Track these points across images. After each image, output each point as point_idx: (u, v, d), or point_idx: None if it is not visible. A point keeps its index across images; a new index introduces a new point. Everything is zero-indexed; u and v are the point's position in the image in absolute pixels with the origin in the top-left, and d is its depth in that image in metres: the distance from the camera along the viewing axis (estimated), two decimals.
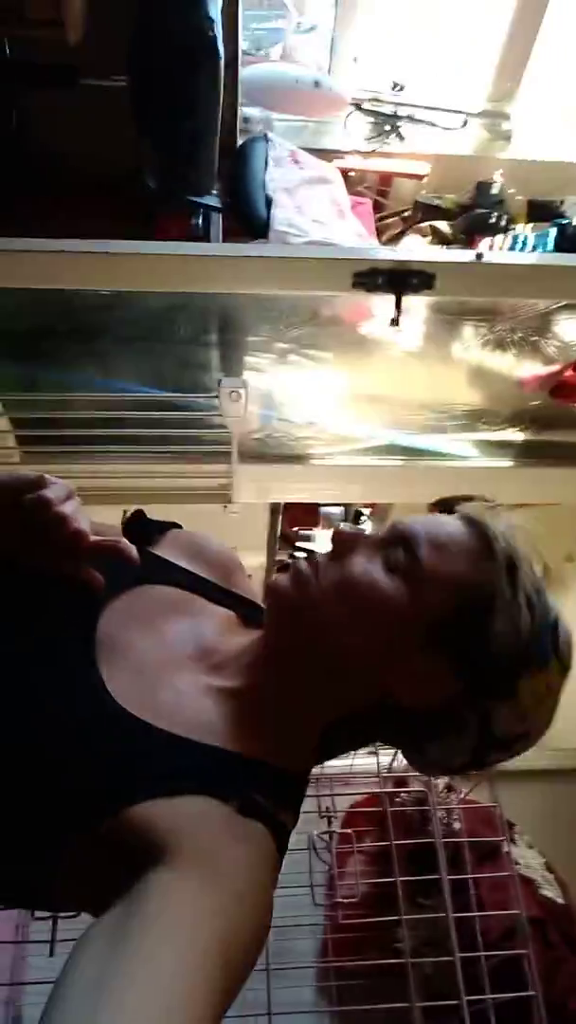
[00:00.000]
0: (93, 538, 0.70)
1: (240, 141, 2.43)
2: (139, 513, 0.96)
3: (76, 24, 1.75)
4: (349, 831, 1.64)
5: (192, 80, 1.83)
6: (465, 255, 1.88)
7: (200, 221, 2.34)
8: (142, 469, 2.13)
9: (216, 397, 1.96)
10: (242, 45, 2.27)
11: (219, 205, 2.22)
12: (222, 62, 1.85)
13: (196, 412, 2.02)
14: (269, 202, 2.27)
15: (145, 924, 0.50)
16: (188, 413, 2.02)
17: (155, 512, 0.97)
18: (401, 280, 1.85)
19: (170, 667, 0.72)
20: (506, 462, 2.44)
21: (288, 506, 3.23)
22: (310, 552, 0.75)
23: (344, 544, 0.71)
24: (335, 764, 1.72)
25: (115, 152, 2.13)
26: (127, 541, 0.75)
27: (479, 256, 1.85)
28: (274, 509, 2.97)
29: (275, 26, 3.18)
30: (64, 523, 0.69)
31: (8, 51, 2.08)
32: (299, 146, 2.62)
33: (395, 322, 1.90)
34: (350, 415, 2.33)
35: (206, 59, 1.81)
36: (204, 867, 0.56)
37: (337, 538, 0.72)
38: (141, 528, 0.93)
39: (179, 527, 0.98)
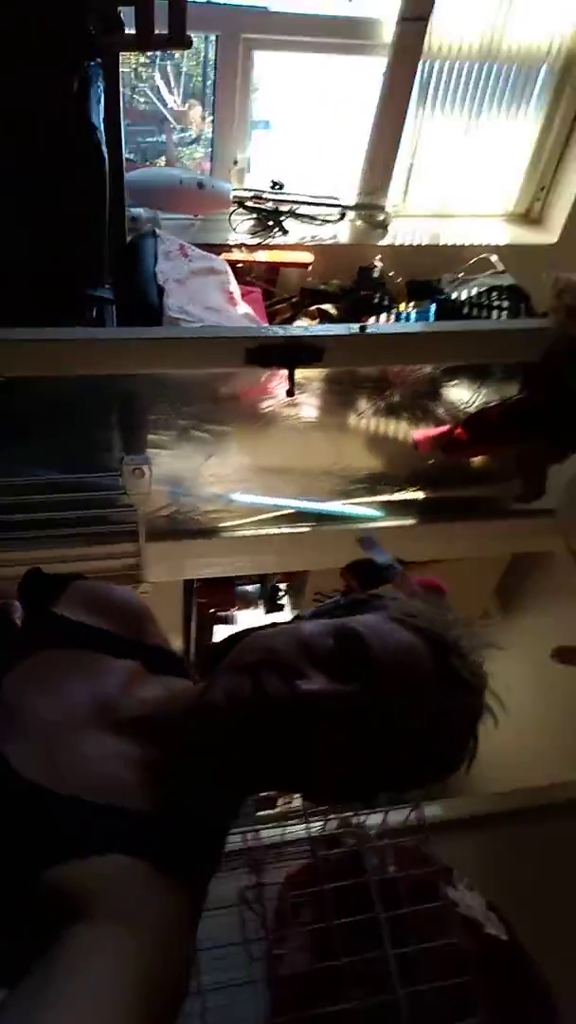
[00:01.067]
0: None
1: (129, 238, 2.54)
2: (35, 571, 0.94)
3: None
4: (288, 901, 1.59)
5: (75, 183, 1.94)
6: (349, 328, 2.00)
7: (94, 314, 2.42)
8: (50, 555, 2.11)
9: (119, 475, 1.98)
10: (125, 153, 2.40)
11: (111, 297, 2.30)
12: (106, 165, 1.97)
13: (101, 492, 2.03)
14: (161, 292, 2.36)
15: (63, 975, 0.49)
16: (93, 493, 2.03)
17: None
18: (291, 354, 1.94)
19: (73, 730, 0.70)
20: (410, 520, 2.53)
21: (204, 587, 3.22)
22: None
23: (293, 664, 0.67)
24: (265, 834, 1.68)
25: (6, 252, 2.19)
26: (12, 603, 0.74)
27: (363, 328, 1.98)
28: (187, 588, 2.97)
29: (158, 139, 3.38)
30: None
31: None
32: (188, 241, 2.77)
33: (290, 393, 1.99)
34: (257, 486, 2.39)
35: (91, 163, 1.93)
36: (119, 921, 0.54)
37: (278, 661, 0.67)
38: (38, 586, 0.92)
39: (80, 578, 0.95)
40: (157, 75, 3.50)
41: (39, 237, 2.11)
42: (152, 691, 0.77)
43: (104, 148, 2.03)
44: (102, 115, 2.08)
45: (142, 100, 3.57)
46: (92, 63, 2.12)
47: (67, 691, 0.74)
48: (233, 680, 0.66)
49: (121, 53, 2.21)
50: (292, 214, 2.99)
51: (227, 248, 2.94)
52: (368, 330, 1.98)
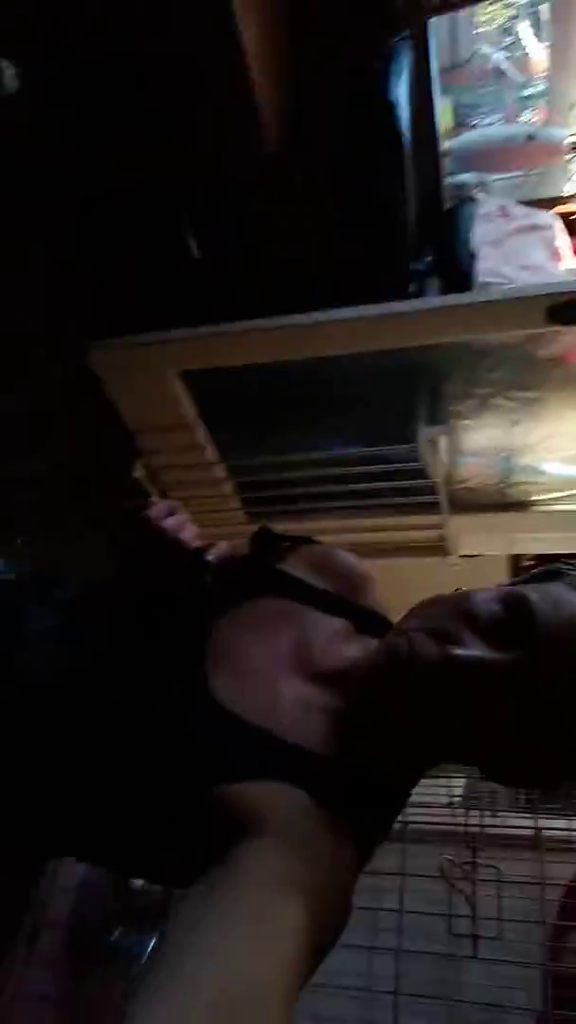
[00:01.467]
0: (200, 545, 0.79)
1: (449, 205, 2.50)
2: (264, 528, 1.02)
3: (271, 137, 2.00)
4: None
5: (382, 174, 1.98)
6: None
7: (415, 288, 2.44)
8: (354, 524, 2.21)
9: (418, 447, 1.99)
10: (443, 124, 2.37)
11: (426, 269, 2.30)
12: (404, 143, 1.97)
13: (402, 464, 2.06)
14: (472, 257, 2.29)
15: (233, 882, 0.54)
16: (394, 465, 2.07)
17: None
18: None
19: (273, 672, 0.76)
20: None
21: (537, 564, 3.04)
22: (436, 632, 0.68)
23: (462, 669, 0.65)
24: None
25: (325, 240, 2.32)
26: (224, 544, 0.82)
27: None
28: (515, 563, 2.83)
29: (492, 92, 3.25)
30: (162, 535, 0.79)
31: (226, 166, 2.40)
32: (518, 199, 2.62)
33: None
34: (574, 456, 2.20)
35: (393, 157, 1.96)
36: (287, 844, 0.59)
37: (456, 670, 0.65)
38: (266, 542, 0.99)
39: (313, 542, 1.00)
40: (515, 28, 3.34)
41: (348, 220, 2.20)
42: (352, 649, 0.80)
43: (403, 126, 2.03)
44: (406, 90, 2.08)
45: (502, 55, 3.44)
46: (399, 38, 2.13)
47: (275, 637, 0.80)
48: (393, 641, 0.68)
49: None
50: None
51: (562, 200, 2.72)
52: None
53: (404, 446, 2.06)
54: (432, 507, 2.13)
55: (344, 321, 1.94)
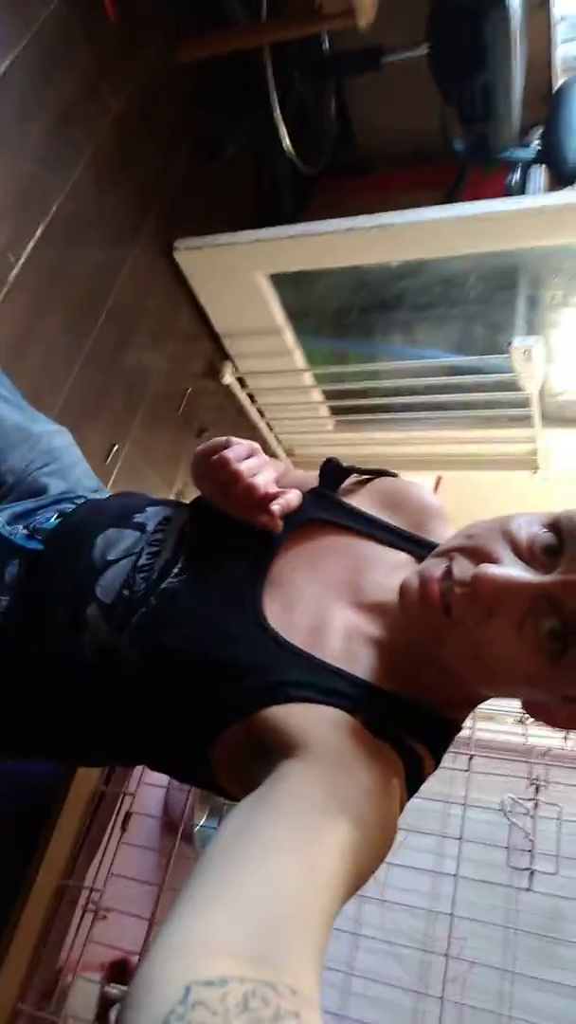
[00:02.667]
0: (270, 490, 0.80)
1: (560, 82, 2.27)
2: (332, 460, 1.01)
3: (366, 9, 1.83)
4: None
5: (479, 34, 1.79)
6: None
7: (517, 176, 2.27)
8: (442, 435, 2.17)
9: (509, 358, 1.90)
10: None
11: (530, 156, 2.12)
12: (511, 10, 1.77)
13: (493, 374, 1.98)
14: None
15: (281, 800, 0.56)
16: (485, 376, 2.00)
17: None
18: None
19: (323, 603, 0.77)
20: None
21: None
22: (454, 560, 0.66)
23: (486, 600, 0.62)
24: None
25: (424, 122, 2.18)
26: (297, 493, 0.83)
27: None
28: None
29: None
30: (238, 478, 0.80)
31: (326, 47, 2.26)
32: None
33: None
34: None
35: (491, 10, 1.76)
36: (332, 763, 0.59)
37: (481, 588, 0.62)
38: (334, 475, 0.99)
39: (390, 475, 0.98)
40: None
41: (454, 103, 2.04)
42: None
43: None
44: None
45: None
46: None
47: (329, 568, 0.81)
48: (430, 563, 0.68)
49: None
50: None
51: None
52: None
53: (496, 356, 1.98)
54: (524, 420, 2.06)
55: (436, 222, 1.84)
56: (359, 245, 1.91)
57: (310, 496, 0.93)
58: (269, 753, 0.61)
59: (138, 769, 1.36)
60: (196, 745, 0.71)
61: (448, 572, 0.65)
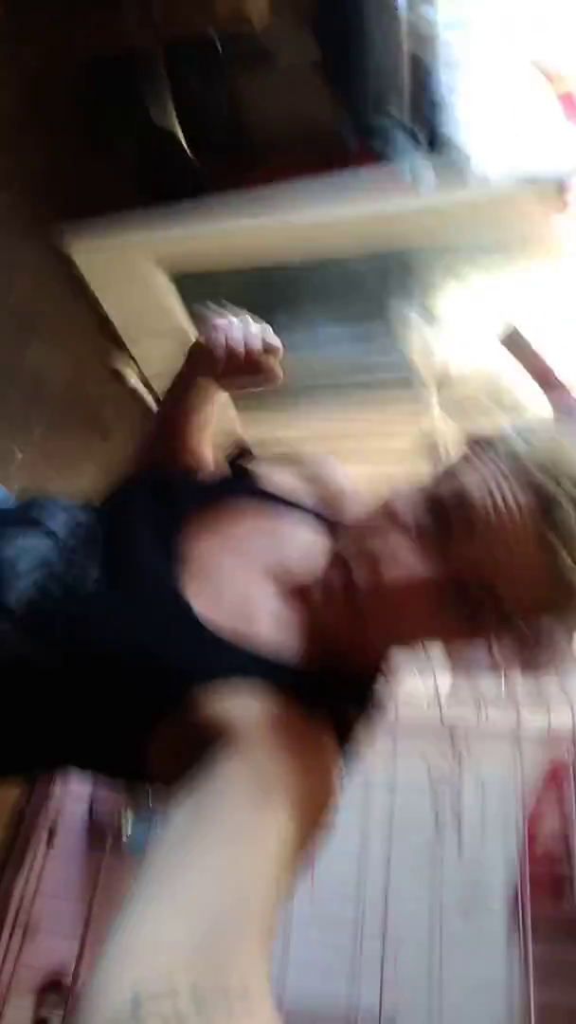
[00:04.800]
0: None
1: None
2: (240, 444, 0.99)
3: (261, 13, 1.86)
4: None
5: (362, 29, 1.85)
6: None
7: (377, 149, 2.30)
8: (344, 427, 2.21)
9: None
10: None
11: (391, 125, 2.16)
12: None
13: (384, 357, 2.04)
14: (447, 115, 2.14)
15: (216, 795, 0.56)
16: (376, 358, 2.06)
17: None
18: None
19: (251, 585, 0.77)
20: None
21: None
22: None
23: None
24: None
25: (316, 111, 2.20)
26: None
27: None
28: None
29: None
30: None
31: (220, 47, 2.25)
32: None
33: None
34: None
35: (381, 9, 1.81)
36: (264, 747, 0.60)
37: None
38: (243, 458, 0.97)
39: (297, 458, 1.00)
40: None
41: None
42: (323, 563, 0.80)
43: None
44: None
45: None
46: None
47: (252, 550, 0.81)
48: (328, 575, 0.71)
49: None
50: None
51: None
52: None
53: (386, 339, 2.03)
54: (424, 410, 2.13)
55: (331, 223, 1.88)
56: (258, 240, 1.92)
57: (226, 480, 0.93)
58: (203, 742, 0.61)
59: (60, 782, 1.33)
60: (128, 742, 0.70)
61: (349, 577, 0.67)
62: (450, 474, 0.68)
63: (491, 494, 0.63)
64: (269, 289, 2.07)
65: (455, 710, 1.75)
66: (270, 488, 0.90)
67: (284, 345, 0.91)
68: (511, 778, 1.71)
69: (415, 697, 1.77)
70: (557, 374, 1.76)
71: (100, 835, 1.32)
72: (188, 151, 2.14)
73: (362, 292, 2.01)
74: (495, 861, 1.51)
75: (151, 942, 0.43)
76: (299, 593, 0.77)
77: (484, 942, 1.66)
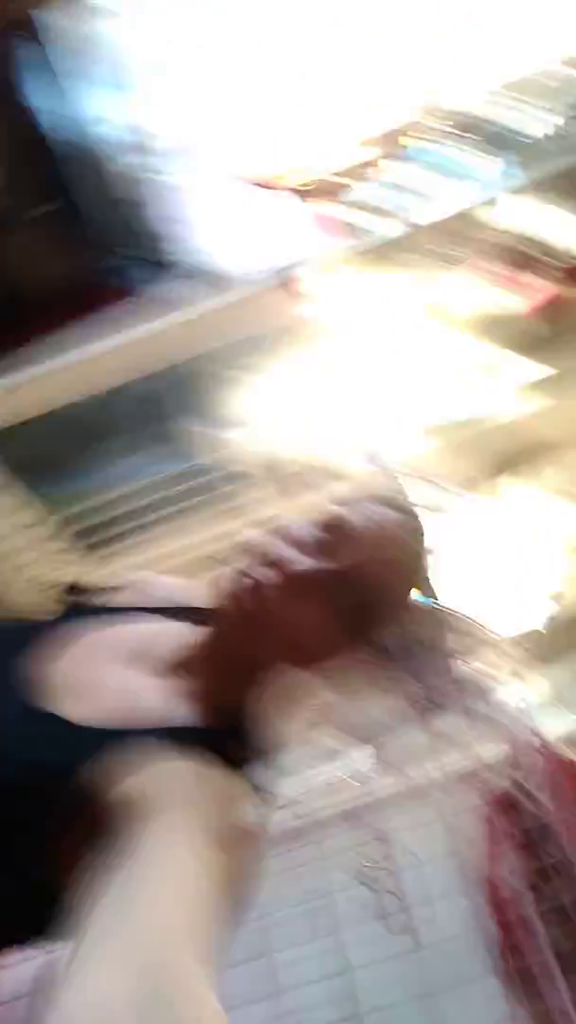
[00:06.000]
0: None
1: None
2: (73, 585, 0.99)
3: None
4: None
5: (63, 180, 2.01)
6: None
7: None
8: (197, 541, 2.26)
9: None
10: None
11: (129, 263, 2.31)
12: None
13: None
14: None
15: (129, 880, 0.54)
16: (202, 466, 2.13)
17: None
18: None
19: (125, 681, 0.77)
20: None
21: None
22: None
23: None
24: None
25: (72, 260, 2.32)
26: None
27: None
28: None
29: None
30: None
31: None
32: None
33: None
34: None
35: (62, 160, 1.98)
36: (172, 814, 0.60)
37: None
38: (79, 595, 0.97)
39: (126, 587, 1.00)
40: None
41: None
42: (194, 635, 0.82)
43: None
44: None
45: None
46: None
47: (117, 653, 0.81)
48: (231, 580, 0.74)
49: None
50: None
51: None
52: None
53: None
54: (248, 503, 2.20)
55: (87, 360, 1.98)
56: (51, 386, 2.00)
57: (71, 613, 0.91)
58: (115, 834, 0.60)
59: None
60: (32, 873, 0.67)
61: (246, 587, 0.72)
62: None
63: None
64: (78, 427, 2.14)
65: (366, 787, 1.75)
66: (111, 604, 0.92)
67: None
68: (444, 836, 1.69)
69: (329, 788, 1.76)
70: None
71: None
72: None
73: (150, 416, 2.11)
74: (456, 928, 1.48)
75: (95, 1005, 0.45)
76: (178, 668, 0.78)
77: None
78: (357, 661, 0.75)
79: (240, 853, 0.61)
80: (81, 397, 2.01)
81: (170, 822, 0.59)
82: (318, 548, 0.73)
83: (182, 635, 0.82)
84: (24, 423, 2.04)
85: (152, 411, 2.11)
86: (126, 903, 0.51)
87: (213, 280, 2.02)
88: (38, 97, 2.00)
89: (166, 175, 2.44)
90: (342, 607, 0.72)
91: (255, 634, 0.73)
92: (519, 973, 1.66)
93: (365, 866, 1.43)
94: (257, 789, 0.71)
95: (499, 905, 1.76)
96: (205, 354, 2.03)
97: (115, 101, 2.64)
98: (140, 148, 2.33)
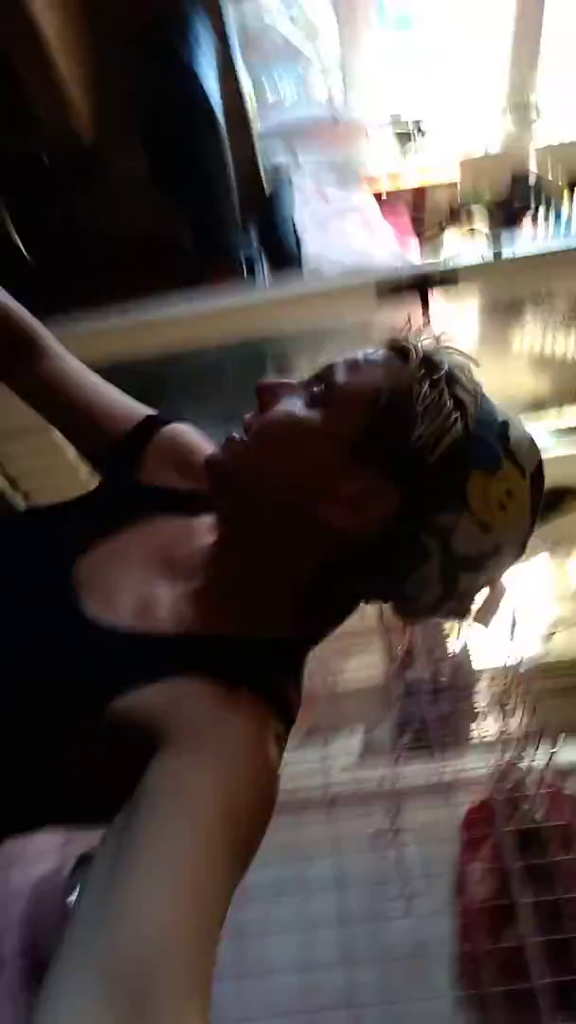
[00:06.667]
0: None
1: (269, 188, 2.55)
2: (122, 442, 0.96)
3: (85, 124, 1.95)
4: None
5: (198, 150, 1.99)
6: (484, 252, 1.90)
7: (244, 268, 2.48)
8: None
9: None
10: (251, 102, 2.38)
11: (253, 253, 2.34)
12: (222, 130, 1.99)
13: None
14: (299, 242, 2.37)
15: (147, 815, 0.54)
16: None
17: None
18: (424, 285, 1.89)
19: (144, 584, 0.76)
20: None
21: None
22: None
23: (267, 394, 0.74)
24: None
25: (154, 224, 2.30)
26: None
27: (497, 254, 1.87)
28: None
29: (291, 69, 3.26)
30: None
31: (47, 161, 2.31)
32: (330, 178, 2.72)
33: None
34: None
35: (207, 131, 1.96)
36: (196, 743, 0.58)
37: (259, 391, 0.74)
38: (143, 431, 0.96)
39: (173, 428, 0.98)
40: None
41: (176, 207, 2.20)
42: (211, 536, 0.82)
43: (214, 103, 2.03)
44: (211, 66, 2.07)
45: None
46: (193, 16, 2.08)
47: (140, 555, 0.81)
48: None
49: None
50: (430, 130, 2.83)
51: (370, 179, 2.85)
52: (504, 254, 1.86)
53: None
54: None
55: (178, 318, 1.97)
56: (113, 340, 1.97)
57: (104, 497, 0.92)
58: (131, 752, 0.59)
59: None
60: (46, 771, 0.65)
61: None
62: None
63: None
64: (132, 383, 2.11)
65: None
66: (154, 484, 0.90)
67: None
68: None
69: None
70: None
71: (43, 968, 1.22)
72: (28, 258, 2.17)
73: (225, 383, 2.11)
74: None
75: (78, 1010, 0.45)
76: (193, 569, 0.78)
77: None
78: (368, 487, 0.69)
79: (256, 785, 0.60)
80: (152, 354, 1.98)
81: (186, 756, 0.57)
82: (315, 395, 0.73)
83: (200, 537, 0.81)
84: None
85: (223, 378, 2.11)
86: (118, 893, 0.50)
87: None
88: (202, 66, 1.96)
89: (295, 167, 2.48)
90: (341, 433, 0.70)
91: (259, 475, 0.72)
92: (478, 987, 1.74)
93: (379, 831, 1.47)
94: (281, 712, 0.68)
95: (467, 913, 1.85)
96: (284, 337, 2.04)
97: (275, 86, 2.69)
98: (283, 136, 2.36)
